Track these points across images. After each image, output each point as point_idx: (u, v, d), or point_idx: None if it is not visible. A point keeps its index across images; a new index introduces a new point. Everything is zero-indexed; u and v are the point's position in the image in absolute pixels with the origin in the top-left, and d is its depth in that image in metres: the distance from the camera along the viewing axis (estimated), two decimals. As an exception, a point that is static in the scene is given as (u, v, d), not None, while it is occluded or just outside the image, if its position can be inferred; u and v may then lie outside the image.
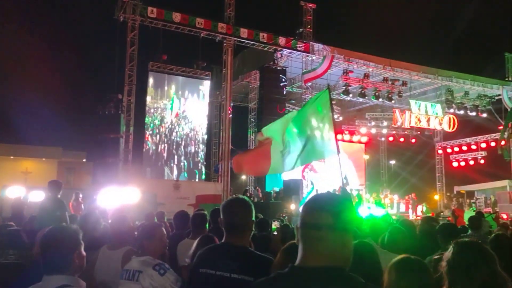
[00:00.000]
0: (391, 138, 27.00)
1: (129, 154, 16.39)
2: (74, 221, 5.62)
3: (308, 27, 19.51)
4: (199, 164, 19.44)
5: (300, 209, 1.56)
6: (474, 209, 20.50)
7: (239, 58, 21.40)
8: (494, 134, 24.99)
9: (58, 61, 35.28)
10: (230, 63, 18.07)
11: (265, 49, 18.90)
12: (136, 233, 4.98)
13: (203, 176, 19.57)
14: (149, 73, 18.09)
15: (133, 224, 4.94)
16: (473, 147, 26.16)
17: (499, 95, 23.30)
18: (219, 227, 5.10)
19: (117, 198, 12.24)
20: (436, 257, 3.13)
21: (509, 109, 22.79)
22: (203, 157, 19.69)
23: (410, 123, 22.28)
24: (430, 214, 19.59)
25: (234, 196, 2.78)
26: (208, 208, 5.36)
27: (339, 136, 25.85)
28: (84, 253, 2.24)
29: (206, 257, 2.51)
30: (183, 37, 17.40)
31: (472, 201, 24.68)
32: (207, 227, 4.88)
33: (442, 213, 22.26)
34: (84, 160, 26.86)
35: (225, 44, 17.99)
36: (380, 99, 21.55)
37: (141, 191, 13.23)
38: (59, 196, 6.94)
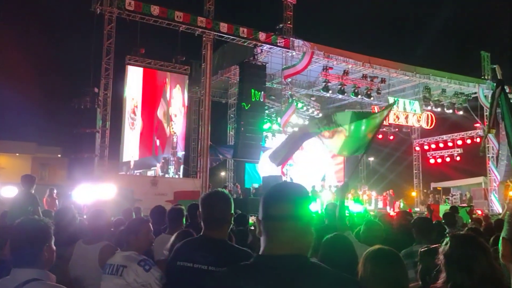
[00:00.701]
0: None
1: (106, 149, 16.09)
2: (49, 217, 5.46)
3: (289, 22, 19.47)
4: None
5: (260, 201, 1.57)
6: (448, 204, 20.89)
7: (218, 53, 21.23)
8: (470, 132, 25.50)
9: (32, 54, 34.46)
10: (209, 58, 17.89)
11: (245, 44, 18.78)
12: (112, 229, 4.91)
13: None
14: (126, 66, 17.77)
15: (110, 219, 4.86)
16: (450, 144, 26.60)
17: (475, 93, 23.76)
18: (196, 222, 5.01)
19: (92, 194, 12.05)
20: (423, 249, 3.13)
21: (485, 107, 23.25)
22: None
23: (388, 120, 22.50)
24: (407, 210, 19.91)
25: (213, 189, 2.76)
26: (186, 204, 5.28)
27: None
28: (54, 247, 2.17)
29: (184, 250, 2.49)
30: (162, 30, 17.17)
31: (447, 197, 25.16)
32: (184, 223, 4.80)
33: (415, 209, 22.68)
34: (59, 155, 26.35)
35: (204, 39, 17.81)
36: (359, 96, 21.69)
37: (117, 187, 13.02)
38: (32, 191, 6.77)
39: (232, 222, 2.58)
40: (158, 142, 18.81)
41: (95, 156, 15.80)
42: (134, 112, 18.23)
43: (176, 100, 19.15)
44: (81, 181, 13.39)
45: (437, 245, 2.52)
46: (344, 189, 4.63)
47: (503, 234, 1.30)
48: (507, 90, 22.53)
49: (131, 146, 18.16)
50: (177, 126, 19.07)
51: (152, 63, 18.42)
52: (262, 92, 18.66)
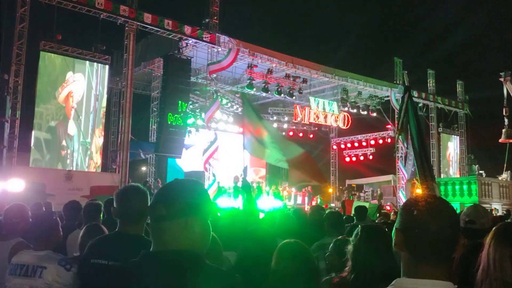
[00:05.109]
0: (291, 133, 28.08)
1: (15, 140, 15.00)
2: None
3: (215, 18, 19.41)
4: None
5: None
6: (358, 201, 22.10)
7: (142, 43, 20.63)
8: (382, 132, 27.25)
9: None
10: (132, 49, 17.32)
11: (169, 36, 18.45)
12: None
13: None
14: (40, 53, 16.65)
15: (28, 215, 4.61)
16: (364, 143, 28.27)
17: (387, 96, 25.35)
18: (113, 218, 4.90)
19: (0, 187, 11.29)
20: (338, 239, 3.27)
21: (396, 110, 24.90)
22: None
23: (309, 119, 23.36)
24: (324, 206, 20.83)
25: (128, 184, 2.71)
26: (103, 200, 5.09)
27: (241, 129, 26.34)
28: None
29: (98, 247, 2.42)
30: (81, 17, 16.31)
31: (354, 193, 26.67)
32: (101, 218, 4.66)
33: (331, 204, 23.82)
34: (-39, 146, 24.09)
35: (127, 28, 17.20)
36: (282, 95, 22.28)
37: (27, 181, 12.25)
38: None
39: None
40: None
41: (3, 148, 14.70)
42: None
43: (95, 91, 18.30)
44: (-14, 173, 12.42)
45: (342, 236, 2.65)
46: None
47: (396, 225, 1.45)
48: (416, 95, 24.26)
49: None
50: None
51: (69, 50, 17.43)
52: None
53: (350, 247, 2.44)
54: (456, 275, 2.22)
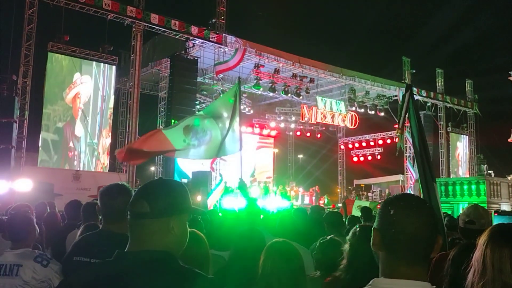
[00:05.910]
0: (298, 133, 28.04)
1: (23, 140, 15.16)
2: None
3: (222, 18, 19.45)
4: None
5: None
6: (359, 200, 21.95)
7: (149, 44, 20.74)
8: (390, 132, 27.08)
9: None
10: (139, 49, 17.42)
11: (176, 37, 18.52)
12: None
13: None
14: (48, 54, 16.80)
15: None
16: (371, 143, 28.12)
17: (395, 95, 25.18)
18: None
19: (7, 187, 11.43)
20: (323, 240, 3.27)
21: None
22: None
23: (316, 119, 23.28)
24: (331, 206, 20.76)
25: (114, 183, 2.71)
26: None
27: (249, 129, 26.36)
28: None
29: (81, 245, 2.45)
30: (89, 18, 16.46)
31: (368, 193, 26.52)
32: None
33: (338, 205, 23.68)
34: (-28, 146, 24.38)
35: (134, 29, 17.31)
36: (289, 95, 22.25)
37: (35, 181, 12.36)
38: None
39: None
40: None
41: (11, 148, 14.84)
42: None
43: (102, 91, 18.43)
44: (-6, 173, 12.57)
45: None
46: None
47: (374, 225, 1.44)
48: (424, 94, 24.08)
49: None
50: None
51: (77, 51, 17.56)
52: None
53: (346, 246, 2.39)
54: (448, 274, 2.19)
